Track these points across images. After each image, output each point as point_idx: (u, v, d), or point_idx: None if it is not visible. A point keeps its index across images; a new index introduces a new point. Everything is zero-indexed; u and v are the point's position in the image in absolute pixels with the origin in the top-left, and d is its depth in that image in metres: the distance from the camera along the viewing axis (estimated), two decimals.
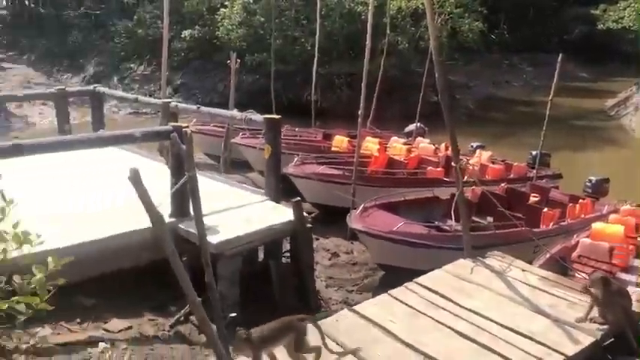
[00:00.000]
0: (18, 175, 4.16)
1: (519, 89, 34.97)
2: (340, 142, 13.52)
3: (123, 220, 6.11)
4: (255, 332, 3.34)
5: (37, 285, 3.31)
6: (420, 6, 22.60)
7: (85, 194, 7.21)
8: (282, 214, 6.82)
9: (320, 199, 10.65)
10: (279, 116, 7.43)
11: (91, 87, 11.60)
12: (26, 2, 34.25)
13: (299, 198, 7.06)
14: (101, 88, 11.48)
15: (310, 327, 3.60)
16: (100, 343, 4.29)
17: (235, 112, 8.53)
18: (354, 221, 8.27)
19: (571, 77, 34.02)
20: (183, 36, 25.01)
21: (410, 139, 14.63)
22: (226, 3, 24.64)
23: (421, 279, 4.76)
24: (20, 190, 3.41)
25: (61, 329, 5.02)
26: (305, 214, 6.86)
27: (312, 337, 3.58)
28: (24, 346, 3.47)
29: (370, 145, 12.78)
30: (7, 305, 3.20)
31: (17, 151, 5.22)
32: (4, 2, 33.96)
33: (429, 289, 4.56)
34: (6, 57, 29.43)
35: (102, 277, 5.52)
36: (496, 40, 36.97)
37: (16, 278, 3.32)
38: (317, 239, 8.70)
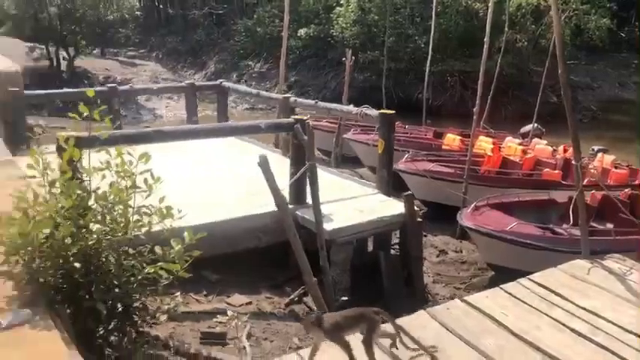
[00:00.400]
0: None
1: None
2: (452, 140, 13.39)
3: (246, 204, 6.58)
4: (328, 318, 3.32)
5: (176, 255, 3.73)
6: (542, 2, 21.67)
7: (212, 179, 7.80)
8: (392, 207, 6.97)
9: (429, 196, 10.63)
10: (393, 111, 7.59)
11: (217, 82, 12.40)
12: (156, 3, 36.94)
13: (410, 192, 7.18)
14: (226, 83, 12.27)
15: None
16: (228, 311, 4.70)
17: (351, 107, 8.77)
18: (465, 219, 8.21)
19: None
20: (298, 34, 25.72)
21: (526, 140, 14.14)
22: (342, 2, 25.04)
23: (534, 276, 4.71)
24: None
25: (189, 299, 5.54)
26: (416, 208, 6.97)
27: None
28: (165, 307, 3.90)
29: (483, 144, 12.53)
30: (153, 270, 3.65)
31: (161, 136, 5.83)
32: (138, 4, 36.76)
33: (543, 286, 4.50)
34: (137, 54, 32.07)
35: (226, 256, 5.95)
36: (625, 39, 34.40)
37: (157, 249, 3.77)
38: (425, 236, 8.71)
